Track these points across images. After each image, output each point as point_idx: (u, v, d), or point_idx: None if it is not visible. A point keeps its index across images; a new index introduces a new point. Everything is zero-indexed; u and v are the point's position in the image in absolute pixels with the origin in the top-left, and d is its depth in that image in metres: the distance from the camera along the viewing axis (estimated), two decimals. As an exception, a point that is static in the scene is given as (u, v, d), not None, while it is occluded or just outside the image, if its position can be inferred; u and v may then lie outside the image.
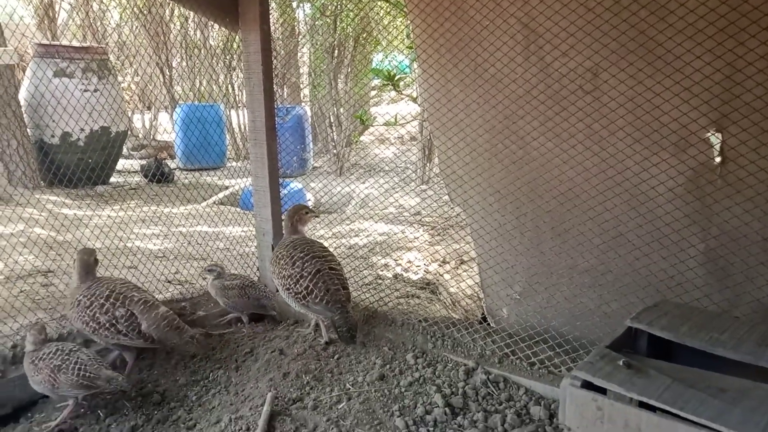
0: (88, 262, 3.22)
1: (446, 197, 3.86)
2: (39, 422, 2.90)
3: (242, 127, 11.57)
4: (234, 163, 11.37)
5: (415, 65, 7.51)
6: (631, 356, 1.86)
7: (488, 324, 3.60)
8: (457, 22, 3.26)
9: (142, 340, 3.12)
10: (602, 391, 1.71)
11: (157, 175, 8.87)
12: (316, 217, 3.74)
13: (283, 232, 3.68)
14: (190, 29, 12.32)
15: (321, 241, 3.73)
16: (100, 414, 2.95)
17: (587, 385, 1.71)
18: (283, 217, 3.78)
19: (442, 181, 3.70)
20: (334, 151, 10.78)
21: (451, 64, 3.35)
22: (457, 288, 5.15)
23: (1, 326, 3.37)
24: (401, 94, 5.89)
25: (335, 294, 3.25)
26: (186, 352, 3.38)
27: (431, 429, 2.54)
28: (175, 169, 10.15)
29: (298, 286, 3.29)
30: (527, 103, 3.13)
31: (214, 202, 8.28)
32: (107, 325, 3.05)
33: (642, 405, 1.64)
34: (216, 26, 11.14)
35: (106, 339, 3.10)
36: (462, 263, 5.69)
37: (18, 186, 7.38)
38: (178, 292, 4.09)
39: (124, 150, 10.22)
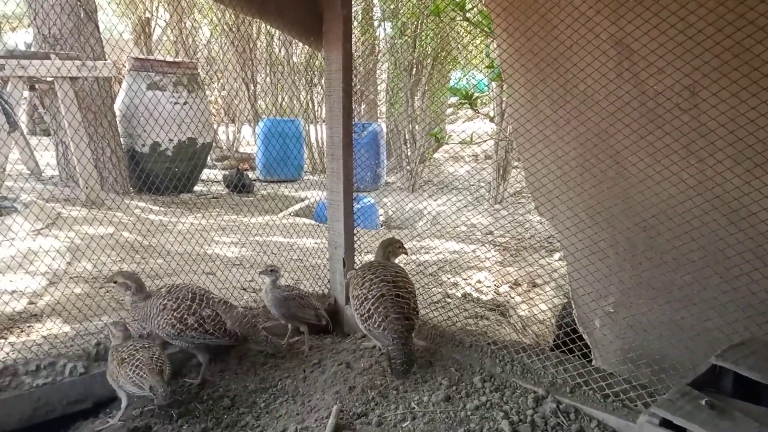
0: (138, 280, 3.36)
1: (520, 218, 3.79)
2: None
3: (320, 141, 11.85)
4: (310, 177, 11.65)
5: (493, 84, 7.47)
6: (715, 396, 1.75)
7: (560, 352, 3.49)
8: (546, 38, 3.21)
9: (228, 337, 3.28)
10: (682, 430, 1.62)
11: (238, 185, 9.21)
12: (406, 254, 3.78)
13: (376, 256, 3.70)
14: (275, 46, 12.80)
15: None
16: (173, 414, 3.06)
17: (666, 423, 1.62)
18: (375, 242, 3.85)
19: (520, 198, 3.65)
20: (408, 167, 10.83)
21: (538, 80, 3.31)
22: (529, 312, 5.03)
23: (86, 324, 3.57)
24: (478, 113, 5.85)
25: (393, 322, 3.11)
26: (264, 349, 3.55)
27: (497, 455, 2.49)
28: (255, 180, 10.51)
29: (362, 308, 3.27)
30: (620, 119, 3.04)
31: (290, 214, 8.50)
32: (195, 325, 3.21)
33: (725, 449, 1.54)
34: (300, 44, 11.51)
35: (193, 339, 3.25)
36: (534, 286, 5.56)
37: (109, 192, 7.85)
38: (252, 300, 4.22)
39: (209, 160, 10.68)
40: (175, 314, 3.21)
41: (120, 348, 3.04)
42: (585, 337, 3.48)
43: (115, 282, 3.31)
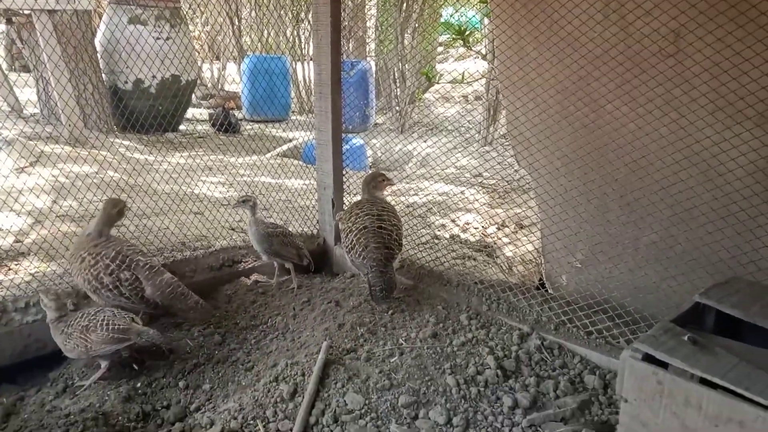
0: (110, 214, 3.16)
1: (510, 159, 3.78)
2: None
3: (307, 80, 11.61)
4: (298, 117, 11.47)
5: (486, 21, 7.28)
6: (697, 332, 1.79)
7: (545, 290, 3.55)
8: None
9: (145, 305, 3.12)
10: (664, 365, 1.66)
11: (225, 124, 9.06)
12: (392, 185, 3.77)
13: (362, 194, 3.70)
14: (260, -21, 12.34)
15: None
16: (164, 350, 3.11)
17: (648, 359, 1.66)
18: (360, 182, 3.81)
19: (507, 142, 3.62)
20: (397, 108, 10.68)
21: (525, 20, 3.22)
22: (515, 252, 5.08)
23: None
24: (470, 50, 5.73)
25: (372, 251, 3.24)
26: (189, 320, 3.31)
27: (482, 389, 2.56)
28: (241, 119, 10.33)
29: (347, 240, 3.40)
30: (604, 64, 2.99)
31: (278, 155, 8.41)
32: (110, 286, 3.03)
33: (705, 383, 1.59)
34: (285, -23, 11.10)
35: (107, 300, 3.07)
36: (521, 228, 5.60)
37: (93, 129, 7.69)
38: (241, 240, 4.22)
39: (193, 99, 10.46)
40: (91, 271, 3.02)
41: (71, 322, 2.85)
42: (549, 290, 3.53)
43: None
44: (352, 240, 3.34)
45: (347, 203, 4.31)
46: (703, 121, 2.75)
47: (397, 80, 10.74)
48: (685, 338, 1.72)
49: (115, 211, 3.17)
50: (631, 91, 2.94)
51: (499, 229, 5.62)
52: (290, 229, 4.10)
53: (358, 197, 3.87)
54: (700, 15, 2.66)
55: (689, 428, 1.59)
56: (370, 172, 3.84)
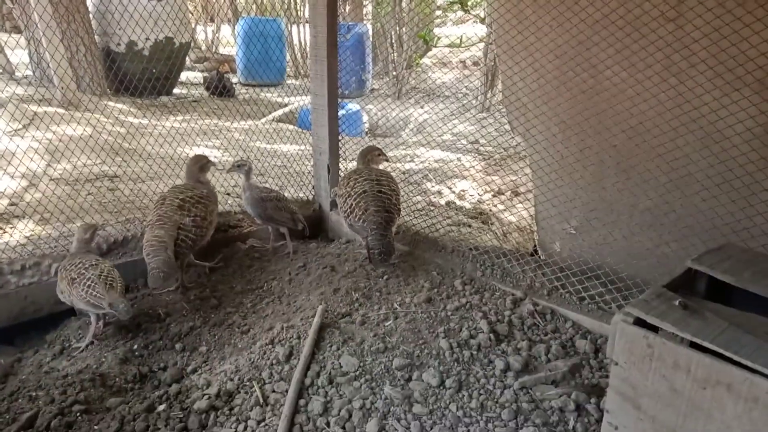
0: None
1: (506, 126, 3.75)
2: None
3: (303, 43, 11.44)
4: (293, 81, 11.34)
5: (484, -16, 7.15)
6: (689, 298, 1.81)
7: (539, 257, 3.58)
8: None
9: None
10: (654, 329, 1.68)
11: (219, 88, 8.95)
12: (386, 160, 3.79)
13: (357, 165, 3.72)
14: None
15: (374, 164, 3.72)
16: (161, 313, 3.13)
17: (639, 323, 1.68)
18: (357, 153, 3.82)
19: (503, 109, 3.59)
20: (394, 73, 10.56)
21: (524, -17, 3.17)
22: (510, 220, 5.10)
23: (69, 225, 3.56)
24: (469, 13, 5.64)
25: (372, 215, 3.25)
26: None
27: (475, 352, 2.59)
28: (236, 83, 10.21)
29: (345, 204, 3.40)
30: (603, 28, 2.94)
31: (273, 119, 8.34)
32: None
33: (694, 346, 1.61)
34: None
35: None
36: (516, 195, 5.60)
37: (86, 92, 7.60)
38: (236, 204, 4.21)
39: (187, 62, 10.31)
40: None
41: (68, 266, 2.92)
42: (541, 256, 3.54)
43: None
44: (351, 204, 3.33)
45: (343, 169, 4.29)
46: (702, 87, 2.73)
47: (394, 44, 10.60)
48: (676, 303, 1.73)
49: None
50: (631, 56, 2.91)
51: (494, 196, 5.62)
52: (285, 194, 4.10)
53: (354, 164, 3.86)
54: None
55: (677, 391, 1.62)
56: (367, 145, 3.85)
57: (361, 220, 3.27)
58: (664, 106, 2.86)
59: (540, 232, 3.57)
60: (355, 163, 3.78)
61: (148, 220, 3.28)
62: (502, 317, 2.85)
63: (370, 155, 3.67)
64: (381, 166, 3.72)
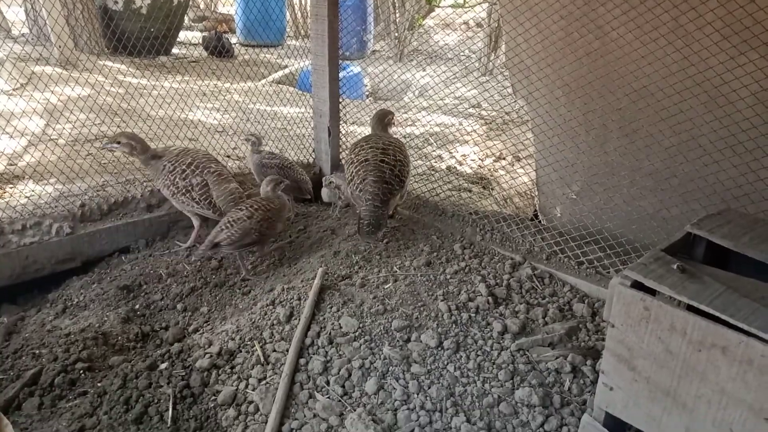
0: (142, 140, 3.35)
1: (509, 89, 3.71)
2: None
3: (303, 2, 11.23)
4: (293, 42, 11.17)
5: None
6: (687, 262, 1.82)
7: (539, 222, 3.58)
8: None
9: (212, 210, 3.26)
10: (652, 293, 1.70)
11: (218, 48, 8.81)
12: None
13: (372, 129, 3.64)
14: None
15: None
16: (162, 275, 3.15)
17: (637, 286, 1.70)
18: (370, 119, 3.75)
19: (506, 71, 3.55)
20: (396, 34, 10.39)
21: (530, -59, 3.09)
22: (511, 185, 5.09)
23: (69, 185, 3.55)
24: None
25: (370, 185, 3.12)
26: None
27: (473, 315, 2.62)
28: (235, 43, 10.05)
29: (347, 171, 3.35)
30: (610, -13, 2.89)
31: (273, 81, 8.24)
32: (183, 191, 3.23)
33: (691, 310, 1.63)
34: None
35: (182, 204, 3.30)
36: (518, 160, 5.58)
37: (83, 51, 7.49)
38: (236, 167, 4.20)
39: (186, 21, 10.13)
40: (170, 176, 3.24)
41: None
42: (543, 221, 3.54)
43: (119, 142, 3.27)
44: (352, 172, 3.24)
45: (343, 132, 4.26)
46: (708, 50, 2.69)
47: (396, 4, 10.39)
48: (674, 267, 1.75)
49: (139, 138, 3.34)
50: (637, 17, 2.86)
51: (495, 161, 5.60)
52: (287, 155, 4.06)
53: (355, 127, 3.83)
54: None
55: (673, 353, 1.64)
56: (381, 108, 3.75)
57: (359, 189, 3.15)
58: (670, 69, 2.83)
59: (541, 197, 3.57)
60: (356, 127, 3.76)
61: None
62: (501, 281, 2.87)
63: (387, 119, 3.58)
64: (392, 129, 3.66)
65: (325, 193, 3.63)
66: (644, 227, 3.07)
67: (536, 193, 3.61)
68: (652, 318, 1.66)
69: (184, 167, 3.25)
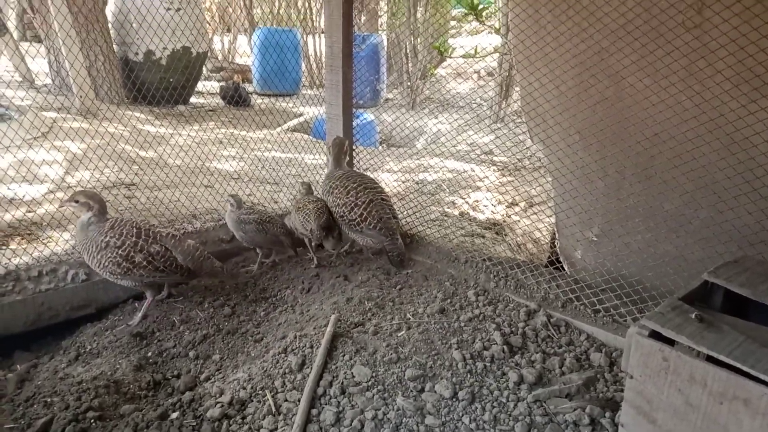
0: (103, 200, 3.12)
1: (521, 137, 3.75)
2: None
3: (318, 53, 11.52)
4: (308, 91, 11.41)
5: (499, -5, 7.15)
6: (705, 311, 1.79)
7: (555, 268, 3.55)
8: (551, -53, 3.06)
9: (179, 274, 3.14)
10: (670, 342, 1.67)
11: (235, 97, 9.02)
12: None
13: (328, 164, 3.83)
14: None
15: (389, 175, 3.77)
16: (175, 321, 3.15)
17: (655, 336, 1.67)
18: (327, 148, 3.92)
19: (521, 118, 3.59)
20: (408, 83, 10.59)
21: (542, -7, 3.17)
22: (525, 231, 5.08)
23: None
24: (484, 24, 5.65)
25: (387, 222, 3.52)
26: (219, 280, 3.45)
27: (488, 364, 2.58)
28: (251, 93, 10.29)
29: (352, 213, 3.51)
30: (623, 37, 2.94)
31: (288, 129, 8.39)
32: (144, 263, 3.02)
33: (711, 360, 1.60)
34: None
35: (140, 279, 3.07)
36: (531, 206, 5.58)
37: (104, 101, 7.70)
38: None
39: (204, 71, 10.41)
40: (120, 252, 2.99)
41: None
42: (565, 266, 3.52)
43: (77, 201, 3.04)
44: (362, 213, 3.48)
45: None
46: (728, 93, 2.70)
47: (409, 54, 10.63)
48: (692, 316, 1.72)
49: (99, 197, 3.12)
50: (653, 63, 2.90)
51: (508, 207, 5.60)
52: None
53: (369, 173, 3.88)
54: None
55: (693, 405, 1.60)
56: (338, 137, 3.93)
57: (377, 228, 3.48)
58: (683, 116, 2.84)
59: (562, 239, 3.55)
60: (369, 174, 3.80)
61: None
62: (516, 329, 2.84)
63: (346, 147, 3.83)
64: (396, 168, 3.81)
65: (329, 243, 3.66)
66: (661, 273, 3.03)
67: (557, 235, 3.59)
68: (671, 369, 1.63)
69: (134, 239, 3.02)
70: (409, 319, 2.93)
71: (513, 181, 6.09)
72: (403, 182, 5.70)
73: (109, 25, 8.15)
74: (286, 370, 2.59)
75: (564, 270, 3.49)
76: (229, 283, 3.50)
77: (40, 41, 8.96)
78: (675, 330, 1.65)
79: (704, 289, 1.97)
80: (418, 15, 10.69)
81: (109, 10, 8.39)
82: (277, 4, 12.55)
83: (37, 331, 3.15)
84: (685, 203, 2.96)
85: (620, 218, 3.23)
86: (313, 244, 3.77)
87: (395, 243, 3.52)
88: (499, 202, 5.66)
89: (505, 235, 5.08)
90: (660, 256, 3.09)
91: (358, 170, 3.86)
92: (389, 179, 5.57)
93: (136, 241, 3.02)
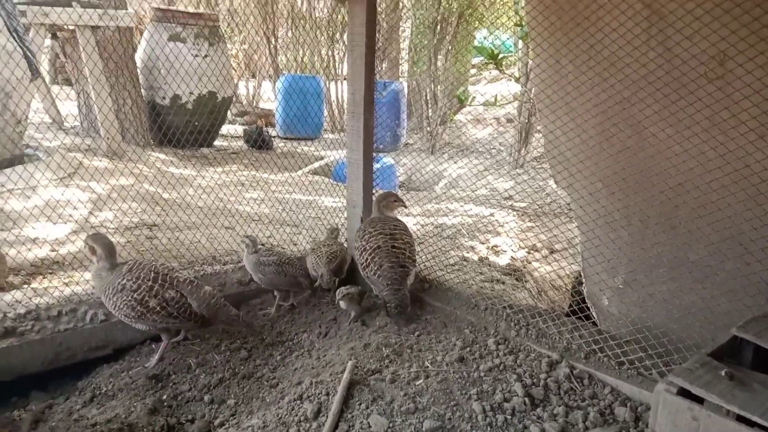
0: (113, 247, 3.10)
1: (541, 183, 3.74)
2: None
3: (340, 99, 11.73)
4: (329, 135, 11.57)
5: (520, 44, 7.27)
6: (734, 367, 1.73)
7: (575, 317, 3.48)
8: (573, 0, 3.11)
9: (192, 321, 3.10)
10: (699, 400, 1.61)
11: (258, 141, 9.18)
12: (404, 207, 3.87)
13: (373, 212, 3.83)
14: (297, 0, 12.57)
15: (408, 218, 3.77)
16: (191, 364, 3.13)
17: (683, 393, 1.61)
18: (373, 199, 3.94)
19: (539, 165, 3.59)
20: (428, 128, 10.70)
21: (563, 43, 3.21)
22: (545, 277, 5.01)
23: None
24: (504, 73, 5.73)
25: (388, 270, 3.40)
26: (234, 330, 3.37)
27: (509, 417, 2.50)
28: (274, 136, 10.47)
29: (361, 258, 3.54)
30: (644, 87, 2.94)
31: (309, 172, 8.48)
32: (158, 308, 3.00)
33: (742, 420, 1.53)
34: (322, -2, 11.29)
35: (154, 324, 3.06)
36: (552, 252, 5.52)
37: (130, 143, 7.88)
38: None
39: (229, 115, 10.63)
40: (135, 296, 2.98)
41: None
42: (592, 312, 3.45)
43: (87, 245, 3.07)
44: (367, 258, 3.48)
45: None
46: (744, 149, 2.68)
47: (429, 101, 10.78)
48: (722, 373, 1.66)
49: (106, 242, 3.11)
50: (675, 113, 2.89)
51: (529, 253, 5.55)
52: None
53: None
54: (741, 41, 2.62)
55: (726, 468, 1.53)
56: (382, 192, 3.95)
57: (377, 275, 3.42)
58: (712, 162, 2.81)
59: (589, 285, 3.49)
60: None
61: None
62: (538, 380, 2.76)
63: (385, 201, 3.77)
64: (398, 212, 3.84)
65: (342, 303, 3.57)
66: (687, 325, 2.95)
67: (584, 282, 3.54)
68: (701, 429, 1.57)
69: (150, 283, 3.00)
70: (428, 367, 2.87)
71: (533, 227, 6.05)
72: (423, 226, 5.69)
73: (138, 71, 8.40)
74: (302, 418, 2.54)
75: (590, 318, 3.42)
76: (248, 330, 3.45)
77: (70, 85, 9.25)
78: (704, 388, 1.59)
79: (733, 344, 1.91)
80: (439, 63, 10.87)
81: (139, 56, 8.66)
82: (301, 52, 12.88)
83: (54, 371, 3.14)
84: (710, 254, 2.90)
85: (644, 267, 3.18)
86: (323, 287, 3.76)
87: (395, 294, 3.34)
88: (520, 248, 5.61)
89: (526, 281, 5.02)
90: (685, 307, 3.01)
91: (393, 216, 3.78)
92: (408, 222, 5.57)
93: (152, 285, 3.01)
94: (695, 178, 2.88)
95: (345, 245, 4.02)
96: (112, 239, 3.21)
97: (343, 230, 4.45)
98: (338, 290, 3.51)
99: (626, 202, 3.17)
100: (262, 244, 3.73)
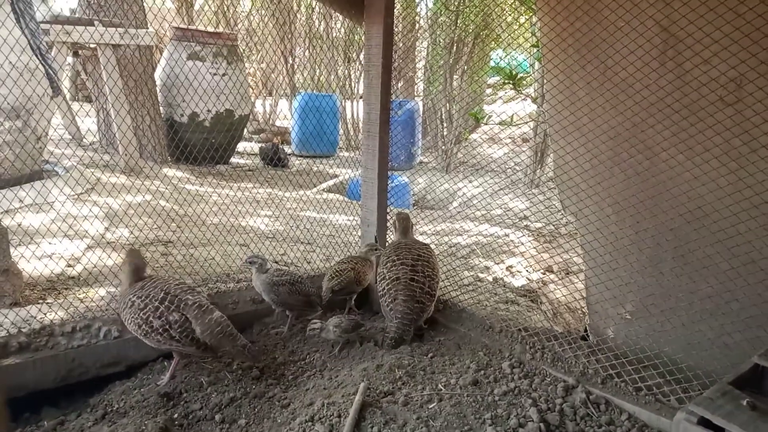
0: (139, 265, 3.12)
1: (557, 203, 3.70)
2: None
3: (355, 117, 11.81)
4: (344, 153, 11.63)
5: (536, 64, 7.28)
6: (756, 397, 1.68)
7: (590, 340, 3.43)
8: (588, 22, 3.10)
9: (195, 346, 3.02)
10: (720, 430, 1.56)
11: (274, 159, 9.25)
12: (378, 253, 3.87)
13: (397, 234, 3.86)
14: (315, 20, 12.73)
15: (421, 237, 3.75)
16: (203, 382, 3.11)
17: (704, 422, 1.56)
18: (393, 219, 3.97)
19: (555, 187, 3.56)
20: (443, 147, 10.71)
21: (578, 66, 3.20)
22: (561, 300, 4.95)
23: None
24: (521, 93, 5.73)
25: (399, 304, 3.38)
26: (238, 360, 3.24)
27: (523, 443, 2.45)
28: (290, 154, 10.54)
29: (379, 285, 3.54)
30: (659, 111, 2.92)
31: (323, 189, 8.51)
32: (160, 330, 2.96)
33: (766, 453, 1.48)
34: (339, 18, 11.41)
35: (158, 344, 3.02)
36: (568, 274, 5.46)
37: (148, 160, 7.97)
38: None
39: (245, 133, 10.74)
40: (141, 314, 2.97)
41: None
42: (594, 342, 3.39)
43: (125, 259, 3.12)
44: (384, 288, 3.47)
45: (390, 240, 4.29)
46: (764, 173, 2.64)
47: (444, 120, 10.80)
48: (744, 402, 1.62)
49: (141, 261, 3.16)
50: (688, 139, 2.86)
51: (544, 274, 5.50)
52: (331, 263, 4.09)
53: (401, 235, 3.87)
54: (761, 65, 2.59)
55: (749, 502, 1.48)
56: (399, 213, 3.94)
57: (389, 308, 3.41)
58: (724, 190, 2.77)
59: (593, 315, 3.44)
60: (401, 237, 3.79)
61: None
62: (553, 405, 2.71)
63: (403, 225, 3.78)
64: (424, 231, 3.78)
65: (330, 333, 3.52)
66: (705, 353, 2.89)
67: (587, 311, 3.48)
68: (723, 461, 1.52)
69: (156, 304, 2.97)
70: (441, 390, 2.83)
71: (549, 248, 6.00)
72: (436, 246, 5.66)
73: (157, 89, 8.53)
74: (313, 440, 2.51)
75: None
76: (253, 362, 3.25)
77: (90, 101, 9.41)
78: (726, 418, 1.55)
79: (755, 373, 1.85)
80: (454, 83, 10.91)
81: (158, 74, 8.80)
82: (318, 71, 13.01)
83: (66, 387, 3.14)
84: (729, 279, 2.84)
85: (658, 295, 3.12)
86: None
87: (398, 328, 3.32)
88: (535, 269, 5.56)
89: (541, 303, 4.96)
90: (703, 335, 2.95)
91: (420, 242, 3.75)
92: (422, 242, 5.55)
93: (158, 306, 2.97)
94: (711, 202, 2.84)
95: (369, 262, 3.94)
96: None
97: (356, 248, 4.44)
98: (314, 321, 3.47)
99: (637, 228, 3.12)
100: (270, 264, 3.70)
